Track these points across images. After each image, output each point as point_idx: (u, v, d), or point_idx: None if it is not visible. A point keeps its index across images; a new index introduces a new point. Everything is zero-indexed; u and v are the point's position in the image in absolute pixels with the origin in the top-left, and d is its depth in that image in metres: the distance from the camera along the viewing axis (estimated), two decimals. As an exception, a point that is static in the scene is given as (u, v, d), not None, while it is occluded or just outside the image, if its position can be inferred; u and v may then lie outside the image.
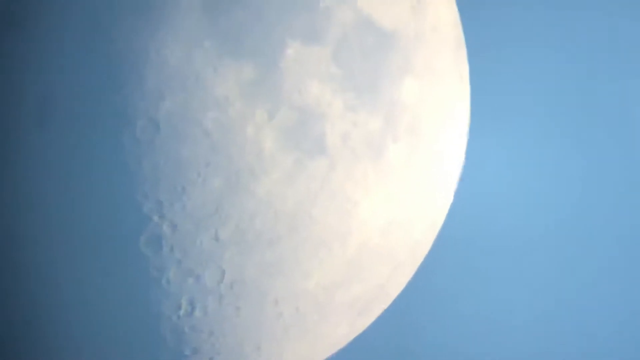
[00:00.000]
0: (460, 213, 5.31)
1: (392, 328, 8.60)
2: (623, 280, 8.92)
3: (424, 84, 4.58)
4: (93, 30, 4.10)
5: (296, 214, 4.30)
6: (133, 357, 4.49)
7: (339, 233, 4.42)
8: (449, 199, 5.03)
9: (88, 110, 4.10)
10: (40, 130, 4.13)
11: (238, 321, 4.43)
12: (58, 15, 4.15)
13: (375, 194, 4.45)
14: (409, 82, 4.51)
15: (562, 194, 8.77)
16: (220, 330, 4.45)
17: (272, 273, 4.37)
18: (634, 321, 8.87)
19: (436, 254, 5.30)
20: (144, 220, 4.19)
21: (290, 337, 4.63)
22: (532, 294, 8.83)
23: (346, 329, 4.90)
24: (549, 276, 8.84)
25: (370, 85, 4.36)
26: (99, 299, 4.29)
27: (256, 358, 4.65)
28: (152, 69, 4.09)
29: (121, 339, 4.41)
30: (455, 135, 4.85)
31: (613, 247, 8.89)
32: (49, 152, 4.15)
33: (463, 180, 5.09)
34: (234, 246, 4.27)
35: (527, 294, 8.82)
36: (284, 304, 4.48)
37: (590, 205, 8.81)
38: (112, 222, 4.19)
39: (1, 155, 4.20)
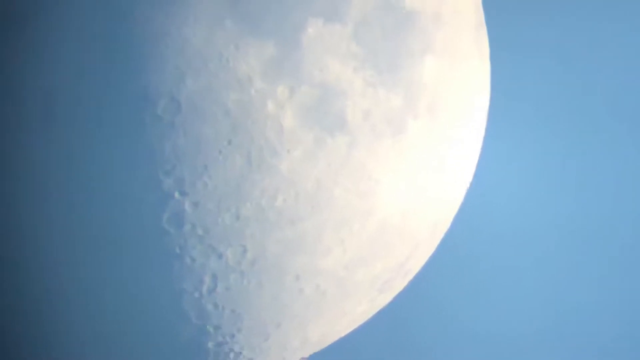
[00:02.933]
0: (465, 215, 5.31)
1: (394, 327, 8.62)
2: (630, 289, 8.84)
3: (444, 63, 4.58)
4: (113, 11, 4.12)
5: (317, 192, 4.31)
6: (156, 333, 4.52)
7: (360, 211, 4.43)
8: (469, 177, 5.03)
9: (110, 91, 4.12)
10: (62, 112, 4.15)
11: (259, 298, 4.46)
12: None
13: (396, 171, 4.45)
14: (429, 61, 4.51)
15: (568, 194, 8.73)
16: (242, 306, 4.48)
17: (293, 250, 4.39)
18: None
19: (439, 256, 5.31)
20: (166, 198, 4.21)
21: (311, 314, 4.65)
22: (534, 296, 8.80)
23: (366, 306, 4.91)
24: (550, 277, 8.80)
25: (390, 63, 4.36)
26: (122, 275, 4.33)
27: (277, 334, 4.68)
28: (174, 49, 4.10)
29: (144, 315, 4.44)
30: (475, 114, 4.85)
31: (623, 254, 8.82)
32: (73, 131, 4.18)
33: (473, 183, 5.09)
34: (255, 224, 4.28)
35: (529, 296, 8.80)
36: (305, 281, 4.50)
37: (598, 211, 8.76)
38: (135, 201, 4.22)
39: (22, 139, 4.23)
